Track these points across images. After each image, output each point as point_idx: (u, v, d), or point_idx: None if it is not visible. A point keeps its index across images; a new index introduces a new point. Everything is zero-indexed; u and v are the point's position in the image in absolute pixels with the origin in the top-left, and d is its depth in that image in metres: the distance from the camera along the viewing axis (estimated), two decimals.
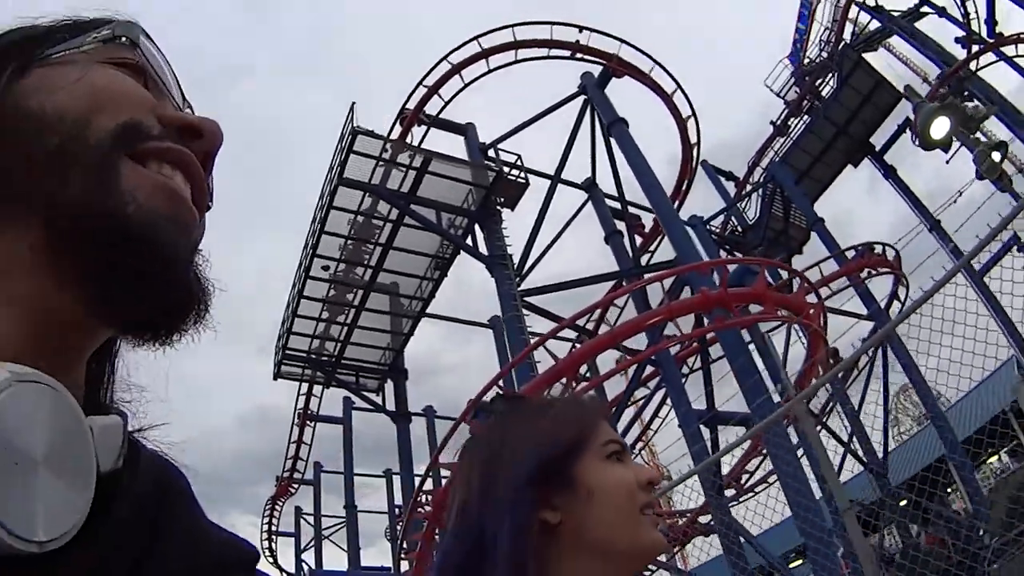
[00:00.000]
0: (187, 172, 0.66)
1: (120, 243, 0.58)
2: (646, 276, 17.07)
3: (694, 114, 21.99)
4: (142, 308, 0.62)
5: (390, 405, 23.54)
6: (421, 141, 20.97)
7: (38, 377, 0.52)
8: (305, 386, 26.04)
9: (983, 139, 11.11)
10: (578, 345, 17.63)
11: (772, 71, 29.23)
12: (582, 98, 20.16)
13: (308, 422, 27.63)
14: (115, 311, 0.61)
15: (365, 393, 23.76)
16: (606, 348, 14.78)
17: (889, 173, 26.49)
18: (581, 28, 20.68)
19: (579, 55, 20.84)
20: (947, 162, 15.66)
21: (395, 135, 20.45)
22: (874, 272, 21.47)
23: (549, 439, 1.21)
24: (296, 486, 31.60)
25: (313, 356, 22.99)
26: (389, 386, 23.87)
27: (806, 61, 28.06)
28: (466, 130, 20.72)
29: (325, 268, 20.15)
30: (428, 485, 16.01)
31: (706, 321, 14.22)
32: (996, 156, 10.78)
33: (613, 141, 18.82)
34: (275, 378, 23.38)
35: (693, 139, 22.44)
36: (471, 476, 1.25)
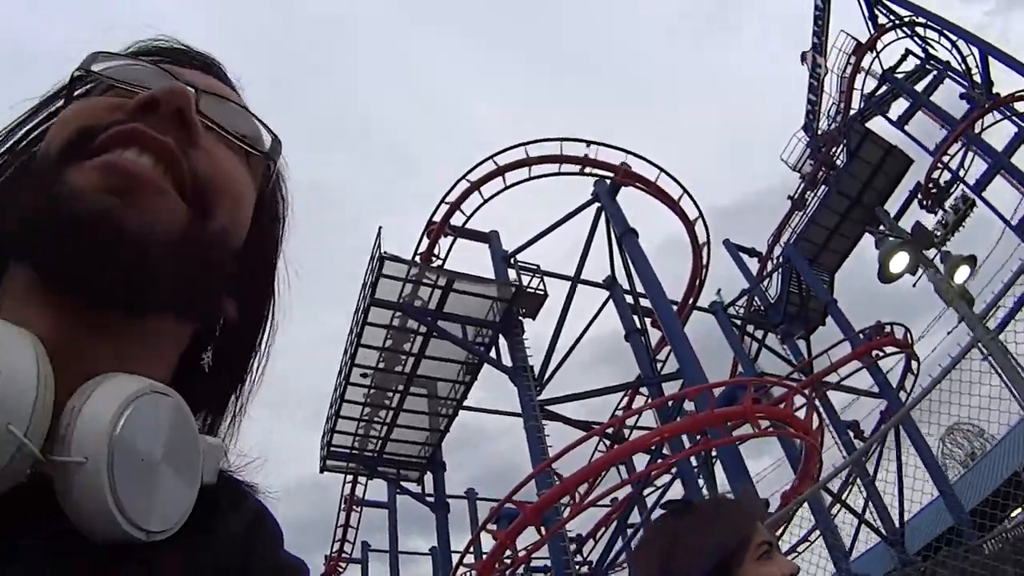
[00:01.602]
0: (143, 145, 0.72)
1: (54, 225, 0.67)
2: (648, 400, 19.12)
3: (701, 216, 23.98)
4: (90, 272, 0.67)
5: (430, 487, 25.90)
6: (449, 249, 23.51)
7: (165, 390, 0.68)
8: (350, 476, 28.51)
9: (942, 268, 12.88)
10: (600, 452, 19.80)
11: (787, 145, 31.02)
12: (596, 205, 22.22)
13: (355, 507, 30.06)
14: (71, 283, 0.68)
15: (405, 484, 26.10)
16: (609, 466, 16.73)
17: (915, 224, 28.19)
18: (589, 143, 22.98)
19: (587, 169, 23.06)
20: (913, 285, 17.44)
21: (424, 245, 23.14)
22: (882, 354, 23.21)
23: (715, 546, 1.47)
24: (344, 565, 33.84)
25: (356, 451, 25.32)
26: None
27: (820, 132, 29.84)
28: (490, 239, 22.89)
29: (363, 375, 22.50)
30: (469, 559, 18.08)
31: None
32: (965, 270, 12.53)
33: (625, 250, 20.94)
34: (321, 471, 25.75)
35: (702, 239, 24.30)
36: (650, 574, 1.58)
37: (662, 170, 23.33)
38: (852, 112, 28.37)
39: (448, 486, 25.91)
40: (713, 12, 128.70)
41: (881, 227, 27.91)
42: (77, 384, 0.64)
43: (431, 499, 25.26)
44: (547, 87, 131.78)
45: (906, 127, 28.25)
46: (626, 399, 25.66)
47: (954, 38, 25.06)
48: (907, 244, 11.58)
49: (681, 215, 24.09)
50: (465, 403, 23.64)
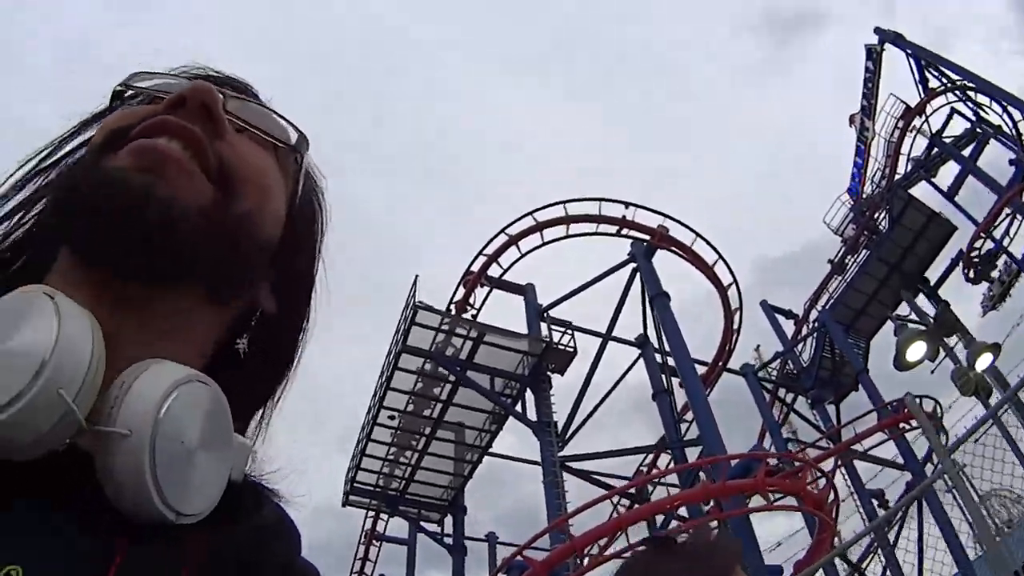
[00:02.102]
0: (172, 134, 0.79)
1: (85, 202, 0.74)
2: (669, 465, 19.54)
3: (735, 282, 24.45)
4: (118, 246, 0.73)
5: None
6: (485, 298, 24.20)
7: (206, 379, 0.73)
8: (372, 511, 29.19)
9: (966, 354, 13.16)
10: (620, 510, 20.18)
11: (831, 207, 31.30)
12: (631, 265, 22.85)
13: (374, 541, 30.69)
14: (99, 252, 0.74)
15: (425, 524, 26.73)
16: (617, 531, 17.11)
17: (943, 311, 28.39)
18: (627, 204, 23.54)
19: (624, 230, 23.62)
20: (932, 372, 17.82)
21: (461, 293, 23.87)
22: (909, 427, 23.35)
23: None
24: None
25: (379, 489, 25.97)
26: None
27: (864, 196, 30.04)
28: (525, 291, 23.56)
29: (391, 418, 23.13)
30: None
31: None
32: (988, 358, 12.78)
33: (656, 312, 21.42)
34: (343, 506, 26.45)
35: (735, 304, 24.82)
36: None
37: (698, 235, 23.84)
38: (897, 177, 28.59)
39: (472, 524, 26.54)
40: (771, 56, 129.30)
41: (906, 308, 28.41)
42: (116, 363, 0.70)
43: (450, 540, 25.96)
44: (608, 133, 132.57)
45: (955, 196, 28.54)
46: (651, 457, 25.91)
47: (1005, 104, 25.24)
48: (926, 333, 11.97)
49: (715, 280, 24.58)
50: (492, 449, 24.18)
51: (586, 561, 16.00)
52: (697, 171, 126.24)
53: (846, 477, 24.94)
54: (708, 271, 24.45)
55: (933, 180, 29.42)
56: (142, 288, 0.77)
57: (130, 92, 0.92)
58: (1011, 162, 26.70)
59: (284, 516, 0.88)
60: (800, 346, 28.57)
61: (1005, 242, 25.92)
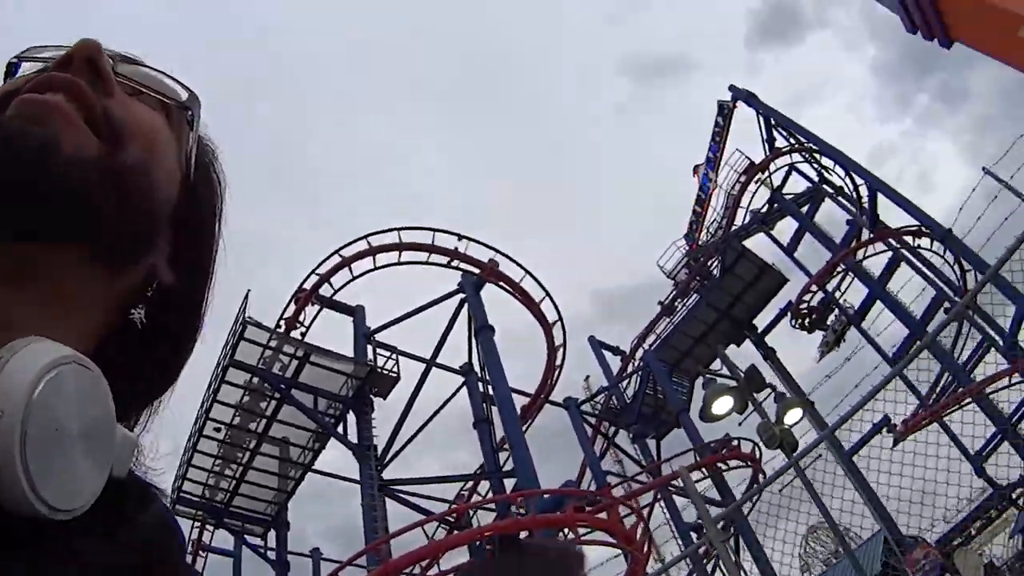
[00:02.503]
0: (57, 88, 0.76)
1: None
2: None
3: (560, 320, 25.95)
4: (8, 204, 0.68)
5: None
6: (315, 316, 25.08)
7: (87, 363, 0.66)
8: (198, 522, 29.86)
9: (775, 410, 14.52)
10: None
11: (665, 252, 33.50)
12: (461, 296, 24.11)
13: (200, 552, 31.37)
14: None
15: (249, 538, 27.49)
16: (435, 555, 18.12)
17: (768, 355, 30.47)
18: (460, 236, 24.87)
19: (455, 262, 24.89)
20: (739, 424, 19.78)
21: (291, 311, 24.89)
22: (726, 467, 25.43)
23: None
24: None
25: (205, 500, 26.62)
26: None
27: (699, 243, 32.19)
28: (355, 312, 24.60)
29: (217, 430, 23.83)
30: None
31: None
32: (797, 413, 14.04)
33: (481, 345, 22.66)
34: None
35: (558, 341, 26.34)
36: None
37: (527, 272, 25.32)
38: (735, 227, 30.64)
39: (299, 538, 27.41)
40: (640, 95, 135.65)
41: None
42: None
43: (273, 554, 26.88)
44: (474, 164, 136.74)
45: (795, 252, 30.78)
46: (471, 484, 26.99)
47: (846, 168, 27.44)
48: (734, 388, 13.19)
49: (540, 317, 26.06)
50: (316, 466, 25.01)
51: None
52: (558, 203, 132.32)
53: (665, 510, 26.92)
54: (535, 307, 25.90)
55: (771, 233, 31.84)
56: (23, 248, 0.72)
57: (24, 64, 0.89)
58: (848, 222, 29.35)
59: (170, 517, 0.80)
60: (626, 382, 30.17)
61: (838, 294, 28.51)
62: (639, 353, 31.07)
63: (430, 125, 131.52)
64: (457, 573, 15.05)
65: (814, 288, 28.35)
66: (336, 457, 26.21)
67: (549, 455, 24.59)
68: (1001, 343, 23.41)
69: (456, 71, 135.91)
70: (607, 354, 31.97)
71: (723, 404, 12.73)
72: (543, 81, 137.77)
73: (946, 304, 25.61)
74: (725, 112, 32.62)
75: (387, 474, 22.30)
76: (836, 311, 29.32)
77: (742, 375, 13.09)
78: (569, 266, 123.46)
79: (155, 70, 0.94)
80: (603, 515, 17.13)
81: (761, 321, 31.67)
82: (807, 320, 29.49)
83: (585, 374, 33.63)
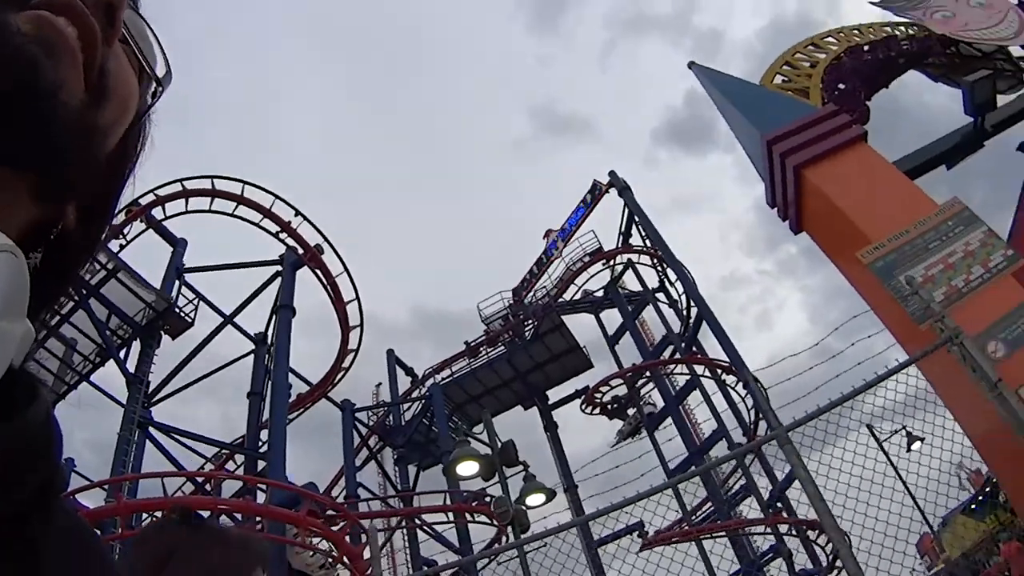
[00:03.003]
0: (73, 19, 0.72)
1: None
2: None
3: (361, 326, 27.14)
4: None
5: None
6: (139, 235, 24.93)
7: (16, 251, 0.64)
8: None
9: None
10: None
11: (490, 297, 35.12)
12: (277, 267, 24.88)
13: None
14: None
15: None
16: (167, 509, 18.38)
17: (549, 427, 32.61)
18: (297, 212, 25.70)
19: (284, 235, 25.75)
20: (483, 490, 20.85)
21: (118, 220, 25.43)
22: (470, 518, 26.57)
23: (213, 569, 1.51)
24: None
25: None
26: None
27: (523, 302, 33.84)
28: (176, 244, 25.03)
29: None
30: None
31: None
32: (539, 498, 14.95)
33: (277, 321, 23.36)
34: None
35: (352, 345, 27.52)
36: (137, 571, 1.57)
37: (346, 269, 26.51)
38: (562, 300, 32.52)
39: (66, 441, 27.61)
40: (540, 139, 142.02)
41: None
42: None
43: None
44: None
45: (617, 343, 33.04)
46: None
47: (686, 288, 29.54)
48: (483, 456, 12.89)
49: (342, 317, 27.18)
50: (97, 379, 24.42)
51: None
52: (425, 210, 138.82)
53: (405, 539, 28.41)
54: (340, 306, 26.88)
55: (600, 317, 34.25)
56: None
57: None
58: (663, 337, 32.02)
59: (52, 412, 0.72)
60: (408, 405, 31.19)
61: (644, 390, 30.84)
62: (430, 381, 32.08)
63: (326, 87, 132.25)
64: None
65: (613, 383, 30.66)
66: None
67: (324, 448, 25.97)
68: (766, 496, 25.76)
69: (366, 46, 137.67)
70: (400, 372, 32.97)
71: (468, 467, 13.08)
72: (454, 90, 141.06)
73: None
74: (596, 192, 34.32)
75: (161, 415, 22.80)
76: (637, 407, 31.76)
77: (499, 443, 13.42)
78: (407, 273, 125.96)
79: (151, 29, 0.93)
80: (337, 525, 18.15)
81: (557, 394, 33.86)
82: (599, 408, 31.85)
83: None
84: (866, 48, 18.02)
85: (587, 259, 33.88)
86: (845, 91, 16.48)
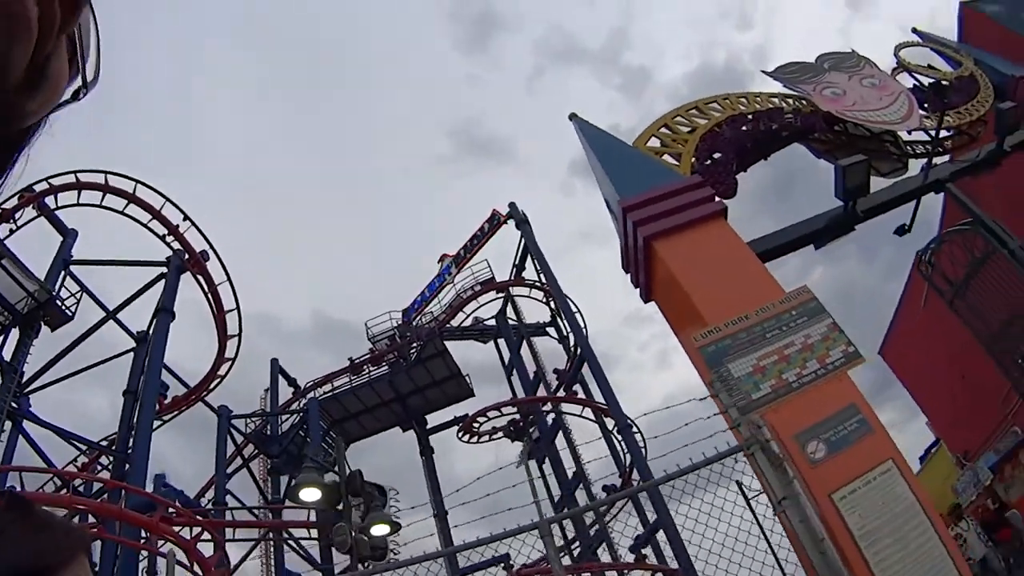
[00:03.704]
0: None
1: None
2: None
3: (240, 335, 27.47)
4: None
5: None
6: (28, 221, 24.98)
7: None
8: None
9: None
10: None
11: (380, 315, 35.69)
12: (162, 269, 25.16)
13: None
14: None
15: None
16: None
17: (424, 451, 33.02)
18: (186, 216, 25.97)
19: (171, 238, 25.92)
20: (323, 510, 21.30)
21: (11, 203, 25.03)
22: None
23: (33, 550, 1.25)
24: None
25: None
26: None
27: (413, 324, 34.33)
28: (66, 235, 25.20)
29: None
30: None
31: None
32: (384, 528, 15.25)
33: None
34: None
35: (230, 354, 27.75)
36: None
37: (229, 279, 26.93)
38: (449, 327, 33.18)
39: None
40: (458, 161, 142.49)
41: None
42: None
43: None
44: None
45: (512, 372, 33.87)
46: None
47: (569, 326, 30.33)
48: (327, 485, 13.24)
49: (220, 326, 27.38)
50: None
51: None
52: (341, 215, 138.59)
53: (271, 554, 28.83)
54: (220, 316, 27.12)
55: (483, 341, 35.09)
56: None
57: None
58: (535, 373, 32.99)
59: None
60: (287, 417, 31.45)
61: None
62: (312, 394, 32.53)
63: (250, 92, 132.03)
64: None
65: (491, 414, 31.49)
66: None
67: (207, 449, 26.32)
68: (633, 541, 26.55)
69: (294, 48, 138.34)
70: (283, 382, 33.42)
71: (311, 494, 13.19)
72: (379, 102, 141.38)
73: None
74: (495, 222, 35.07)
75: (46, 406, 23.13)
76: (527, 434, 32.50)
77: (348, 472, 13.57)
78: (316, 279, 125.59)
79: (96, 28, 0.92)
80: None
81: (440, 418, 34.49)
82: (478, 436, 32.70)
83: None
84: (749, 118, 17.79)
85: (478, 287, 34.61)
86: (717, 161, 16.22)
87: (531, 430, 33.04)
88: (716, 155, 16.32)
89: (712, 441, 8.58)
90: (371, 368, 33.52)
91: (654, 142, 16.24)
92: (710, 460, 8.26)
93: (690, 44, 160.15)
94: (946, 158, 19.11)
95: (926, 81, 21.31)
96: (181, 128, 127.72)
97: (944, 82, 21.06)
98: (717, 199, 13.98)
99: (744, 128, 17.45)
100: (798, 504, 7.81)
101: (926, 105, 20.10)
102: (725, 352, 10.69)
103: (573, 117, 17.68)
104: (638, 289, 14.88)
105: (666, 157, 15.68)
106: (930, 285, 18.78)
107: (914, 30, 24.76)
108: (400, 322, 35.66)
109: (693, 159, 15.66)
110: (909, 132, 18.97)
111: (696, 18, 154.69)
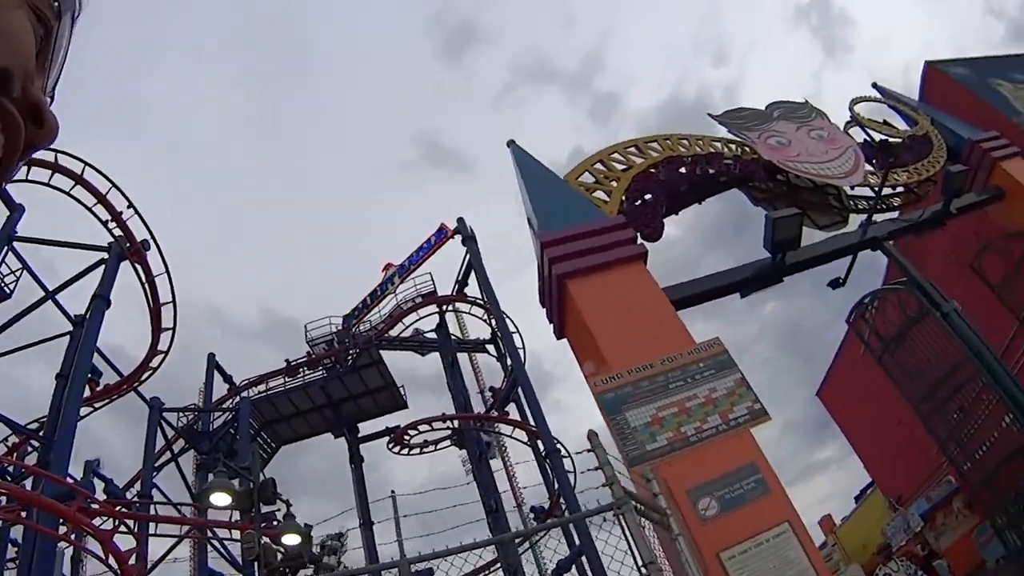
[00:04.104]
0: (6, 134, 0.79)
1: None
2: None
3: (174, 328, 27.41)
4: None
5: None
6: None
7: None
8: None
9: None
10: None
11: (319, 320, 35.75)
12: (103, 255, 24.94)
13: None
14: None
15: None
16: None
17: (354, 460, 33.18)
18: (130, 203, 25.81)
19: (113, 224, 25.72)
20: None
21: None
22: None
23: None
24: None
25: None
26: None
27: (352, 330, 34.43)
28: (13, 210, 24.16)
29: None
30: None
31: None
32: (295, 538, 15.30)
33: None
34: None
35: (163, 347, 27.61)
36: None
37: (167, 271, 26.78)
38: (387, 337, 33.44)
39: None
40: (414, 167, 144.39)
41: None
42: None
43: None
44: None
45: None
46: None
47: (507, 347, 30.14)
48: (238, 492, 13.40)
49: (155, 320, 27.26)
50: None
51: None
52: (301, 213, 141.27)
53: (194, 551, 28.61)
54: (156, 307, 26.96)
55: (421, 353, 35.26)
56: None
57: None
58: (491, 388, 33.37)
59: None
60: (219, 414, 31.24)
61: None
62: (245, 393, 32.50)
63: (215, 82, 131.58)
64: None
65: (421, 427, 31.59)
66: None
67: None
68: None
69: (262, 41, 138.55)
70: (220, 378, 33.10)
71: (221, 498, 13.29)
72: (349, 104, 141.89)
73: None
74: (442, 235, 35.41)
75: None
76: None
77: (263, 477, 13.50)
78: (269, 275, 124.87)
79: (66, 54, 0.94)
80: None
81: (374, 426, 34.60)
82: (408, 448, 32.85)
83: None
84: (687, 160, 17.57)
85: (419, 300, 34.75)
86: (646, 203, 16.04)
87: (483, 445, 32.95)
88: (647, 196, 16.22)
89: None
90: (307, 371, 33.62)
91: (587, 178, 16.03)
92: (578, 516, 8.93)
93: (663, 75, 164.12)
94: (894, 215, 19.31)
95: (878, 137, 21.56)
96: (140, 111, 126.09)
97: (895, 140, 21.47)
98: (640, 242, 13.99)
99: (681, 171, 17.29)
100: (660, 572, 7.94)
101: (874, 161, 20.35)
102: (624, 400, 10.51)
103: (511, 144, 17.27)
104: (552, 324, 14.67)
105: (598, 194, 15.53)
106: (860, 340, 19.13)
107: (874, 85, 25.01)
108: (340, 327, 35.65)
109: (623, 199, 15.53)
110: (851, 187, 18.94)
111: (672, 49, 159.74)
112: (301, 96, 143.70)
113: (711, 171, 17.67)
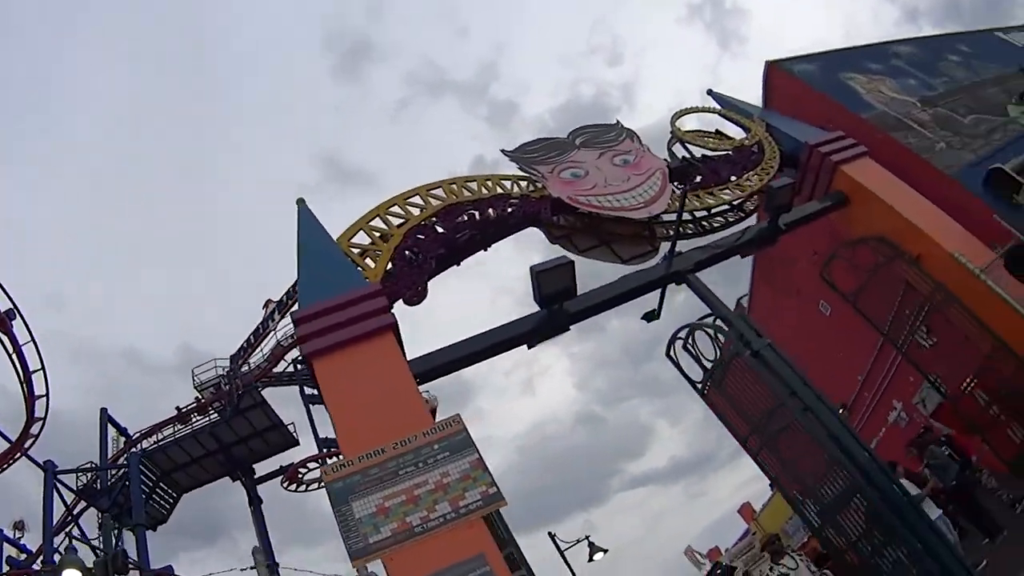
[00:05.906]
0: None
1: None
2: None
3: (48, 395, 27.41)
4: None
5: None
6: None
7: None
8: None
9: None
10: None
11: (206, 363, 36.77)
12: None
13: None
14: None
15: None
16: None
17: (253, 502, 34.37)
18: None
19: None
20: None
21: None
22: None
23: None
24: None
25: None
26: None
27: (240, 371, 34.91)
28: None
29: None
30: None
31: None
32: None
33: None
34: None
35: (40, 413, 27.62)
36: None
37: (33, 339, 26.50)
38: (270, 377, 34.31)
39: None
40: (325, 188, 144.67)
41: None
42: None
43: None
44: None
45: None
46: None
47: None
48: (88, 568, 14.49)
49: (27, 388, 26.92)
50: None
51: None
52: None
53: None
54: (26, 374, 26.63)
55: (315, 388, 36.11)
56: None
57: None
58: None
59: None
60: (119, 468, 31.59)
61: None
62: (139, 445, 33.15)
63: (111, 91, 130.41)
64: None
65: (312, 464, 33.11)
66: None
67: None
68: None
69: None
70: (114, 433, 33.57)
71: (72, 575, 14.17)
72: (242, 118, 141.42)
73: None
74: None
75: None
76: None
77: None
78: (188, 310, 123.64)
79: None
80: None
81: (266, 467, 35.37)
82: (305, 485, 33.49)
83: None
84: (467, 206, 16.16)
85: (296, 336, 34.84)
86: (412, 263, 14.83)
87: None
88: (416, 253, 14.96)
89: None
90: (197, 417, 34.00)
91: (362, 238, 14.70)
92: None
93: (559, 79, 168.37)
94: (716, 237, 17.94)
95: (699, 153, 20.38)
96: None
97: (719, 153, 20.52)
98: (393, 310, 13.07)
99: (461, 219, 15.95)
100: None
101: (697, 180, 19.17)
102: (352, 489, 10.09)
103: (300, 202, 15.53)
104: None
105: (369, 258, 14.30)
106: (679, 372, 16.89)
107: (710, 92, 23.90)
108: (227, 369, 36.10)
109: (391, 261, 14.40)
110: (652, 218, 17.43)
111: (566, 54, 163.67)
112: (196, 125, 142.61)
113: (493, 215, 16.26)
